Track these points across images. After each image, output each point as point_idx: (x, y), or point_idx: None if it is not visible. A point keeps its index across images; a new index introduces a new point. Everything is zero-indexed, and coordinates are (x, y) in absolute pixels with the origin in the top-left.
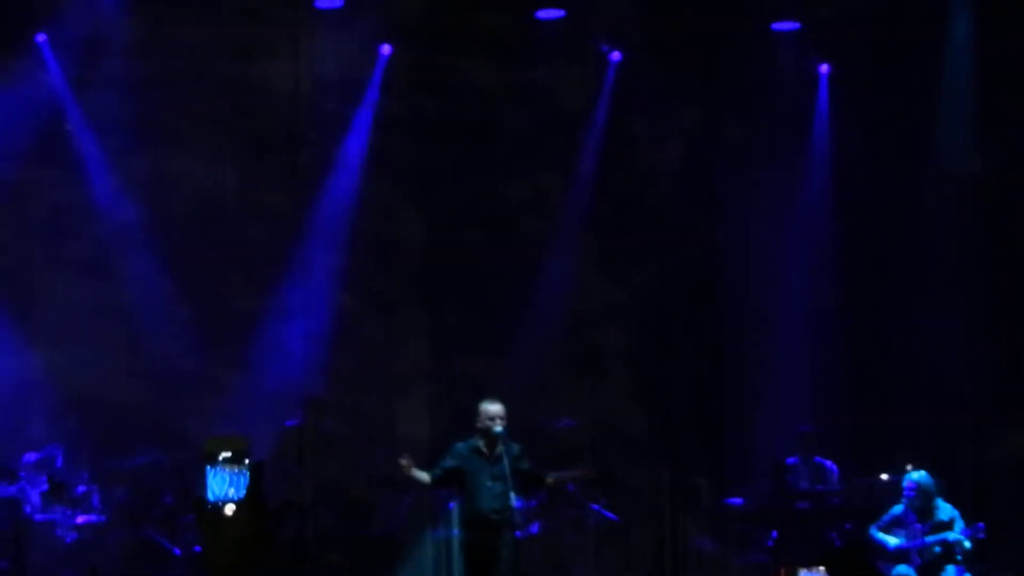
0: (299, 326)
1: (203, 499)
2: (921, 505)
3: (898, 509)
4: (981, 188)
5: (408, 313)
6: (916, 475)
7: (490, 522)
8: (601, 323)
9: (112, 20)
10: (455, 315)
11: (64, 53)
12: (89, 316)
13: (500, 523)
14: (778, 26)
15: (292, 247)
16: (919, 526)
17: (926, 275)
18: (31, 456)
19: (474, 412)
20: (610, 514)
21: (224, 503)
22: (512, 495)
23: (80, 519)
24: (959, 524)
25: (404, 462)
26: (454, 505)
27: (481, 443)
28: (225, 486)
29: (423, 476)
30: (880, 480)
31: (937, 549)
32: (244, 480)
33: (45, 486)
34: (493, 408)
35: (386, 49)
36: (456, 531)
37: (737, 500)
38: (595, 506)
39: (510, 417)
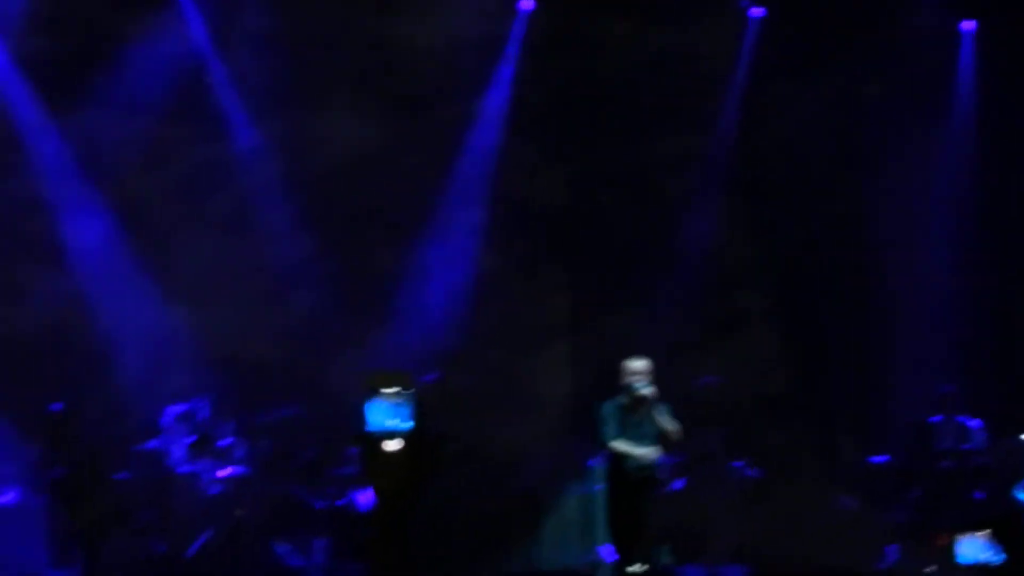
0: (439, 283)
1: (365, 432)
2: None
3: None
4: None
5: (548, 271)
6: None
7: (634, 478)
8: (743, 282)
9: None
10: (596, 273)
11: (206, 8)
12: (230, 272)
13: (644, 479)
14: None
15: (433, 204)
16: None
17: None
18: (175, 409)
19: (614, 369)
20: (752, 471)
21: (387, 435)
22: (656, 451)
23: (224, 471)
24: None
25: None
26: (594, 462)
27: (626, 400)
28: (388, 417)
29: (628, 447)
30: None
31: None
32: (406, 411)
33: (189, 439)
34: (637, 364)
35: (527, 5)
36: (599, 487)
37: (880, 458)
38: (738, 463)
39: (654, 376)
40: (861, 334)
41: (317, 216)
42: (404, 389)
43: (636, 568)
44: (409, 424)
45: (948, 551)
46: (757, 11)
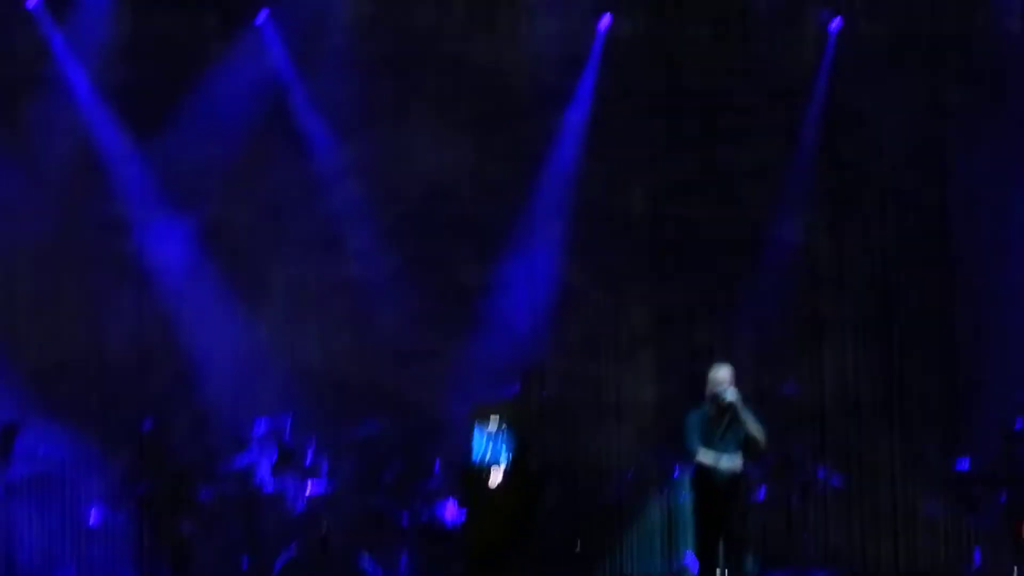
0: (523, 297)
1: (470, 464)
2: None
3: None
4: None
5: (632, 284)
6: None
7: (721, 486)
8: (829, 291)
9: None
10: (681, 285)
11: (287, 32)
12: (317, 291)
13: (730, 487)
14: None
15: (516, 220)
16: None
17: None
18: (262, 425)
19: (700, 380)
20: (836, 479)
21: (489, 466)
22: (741, 459)
23: (309, 489)
24: None
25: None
26: (679, 472)
27: (710, 409)
28: (487, 449)
29: (713, 460)
30: None
31: None
32: (505, 445)
33: (275, 455)
34: (720, 373)
35: (605, 21)
36: (684, 496)
37: (966, 464)
38: (821, 471)
39: (738, 384)
40: (947, 340)
41: (401, 234)
42: (506, 420)
43: None
44: (508, 457)
45: None
46: (836, 22)
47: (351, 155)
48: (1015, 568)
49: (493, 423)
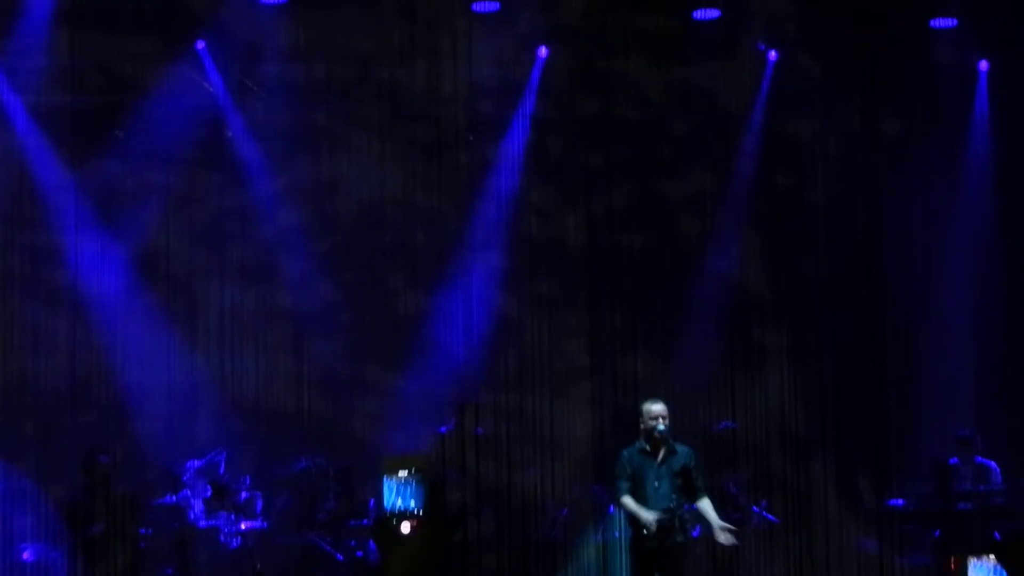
0: (459, 327)
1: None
2: None
3: None
4: None
5: (568, 314)
6: None
7: (656, 533)
8: (762, 322)
9: (271, 26)
10: (616, 315)
11: (224, 59)
12: (252, 321)
13: (667, 524)
14: (936, 23)
15: (452, 249)
16: None
17: None
18: (195, 463)
19: (634, 412)
20: (771, 516)
21: (401, 515)
22: (677, 496)
23: (243, 525)
24: None
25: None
26: (614, 508)
27: (646, 444)
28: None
29: (635, 508)
30: None
31: None
32: (418, 492)
33: (208, 492)
34: (655, 408)
35: (544, 51)
36: (618, 533)
37: (899, 501)
38: (756, 508)
39: (671, 418)
40: (879, 373)
41: (337, 263)
42: (418, 471)
43: None
44: (418, 504)
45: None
46: (773, 54)
47: (287, 182)
48: None
49: (402, 473)
